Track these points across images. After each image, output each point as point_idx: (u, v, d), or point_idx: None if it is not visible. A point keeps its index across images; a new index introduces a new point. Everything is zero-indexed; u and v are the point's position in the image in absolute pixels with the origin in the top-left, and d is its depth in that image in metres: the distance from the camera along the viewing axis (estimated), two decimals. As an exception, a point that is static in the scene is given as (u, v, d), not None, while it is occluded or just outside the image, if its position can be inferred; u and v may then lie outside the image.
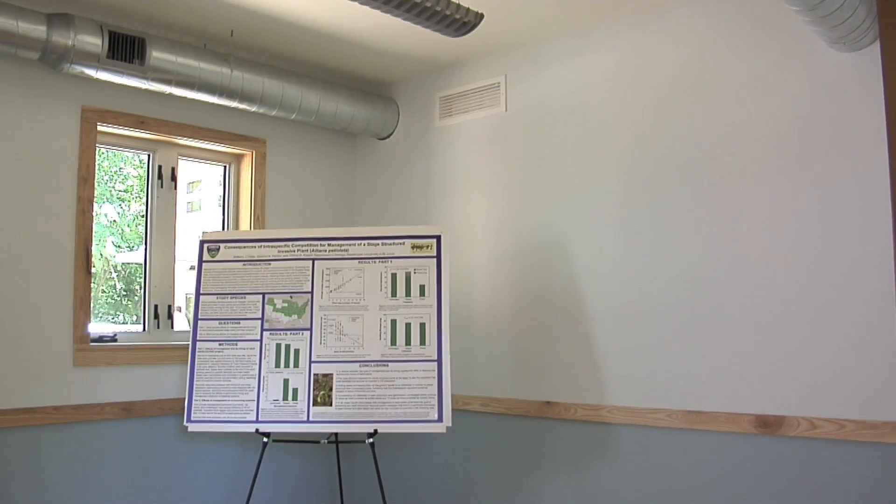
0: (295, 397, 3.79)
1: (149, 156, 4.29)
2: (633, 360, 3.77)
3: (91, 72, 3.60)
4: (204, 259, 4.03)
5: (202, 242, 4.06)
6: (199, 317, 3.95)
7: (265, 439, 3.81)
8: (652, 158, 3.77)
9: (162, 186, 4.28)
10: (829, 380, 3.18)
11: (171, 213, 4.31)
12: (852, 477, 3.10)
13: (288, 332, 3.89)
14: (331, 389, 3.79)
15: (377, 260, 3.95)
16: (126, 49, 3.62)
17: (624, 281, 3.83)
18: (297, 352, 3.85)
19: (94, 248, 3.88)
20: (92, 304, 3.86)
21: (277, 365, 3.84)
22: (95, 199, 3.90)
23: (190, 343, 3.93)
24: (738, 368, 3.43)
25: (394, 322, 3.86)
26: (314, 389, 3.80)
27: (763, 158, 3.42)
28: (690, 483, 3.54)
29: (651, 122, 3.79)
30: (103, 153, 4.20)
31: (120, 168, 4.41)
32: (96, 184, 3.91)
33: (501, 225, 4.36)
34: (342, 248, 3.99)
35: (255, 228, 4.55)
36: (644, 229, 3.78)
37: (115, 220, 4.38)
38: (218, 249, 4.04)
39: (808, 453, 3.21)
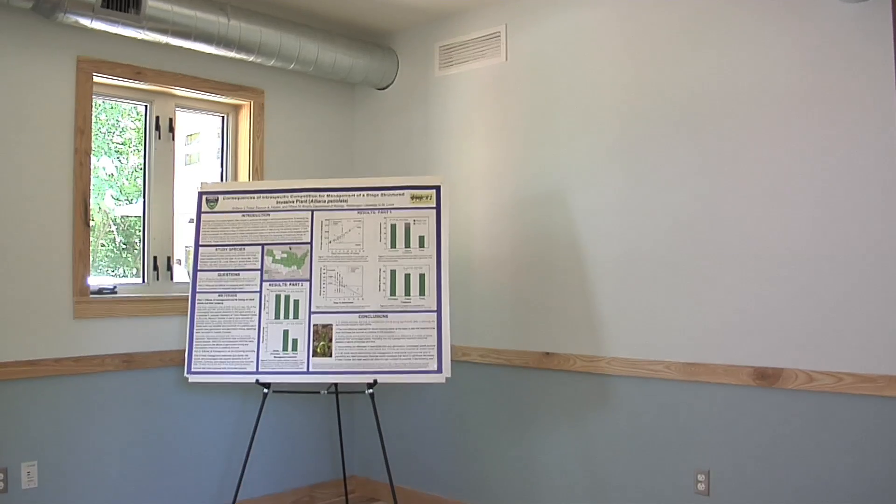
0: (295, 348, 3.81)
1: (146, 107, 4.25)
2: (632, 312, 3.78)
3: (86, 21, 3.55)
4: (203, 210, 4.02)
5: (201, 194, 4.04)
6: (199, 268, 3.95)
7: (265, 390, 3.83)
8: (652, 108, 3.73)
9: (160, 138, 4.25)
10: (828, 333, 3.19)
11: (169, 165, 4.29)
12: (849, 429, 3.12)
13: (287, 283, 3.89)
14: (330, 340, 3.80)
15: (376, 210, 3.93)
16: (121, -3, 3.58)
17: (623, 232, 3.81)
18: (296, 303, 3.86)
19: (92, 201, 3.87)
20: (91, 257, 3.86)
21: (277, 316, 3.85)
22: (93, 153, 3.87)
23: (189, 295, 3.94)
24: (737, 321, 3.44)
25: (393, 273, 3.86)
26: (314, 340, 3.81)
27: (765, 108, 3.38)
28: (688, 435, 3.56)
29: (652, 71, 3.75)
30: (100, 105, 4.16)
31: (117, 121, 4.37)
32: (94, 137, 3.89)
33: (501, 175, 4.33)
34: (341, 198, 3.97)
35: (253, 179, 4.53)
36: (644, 180, 3.75)
37: (112, 174, 4.36)
38: (217, 201, 4.02)
39: (805, 406, 3.23)
